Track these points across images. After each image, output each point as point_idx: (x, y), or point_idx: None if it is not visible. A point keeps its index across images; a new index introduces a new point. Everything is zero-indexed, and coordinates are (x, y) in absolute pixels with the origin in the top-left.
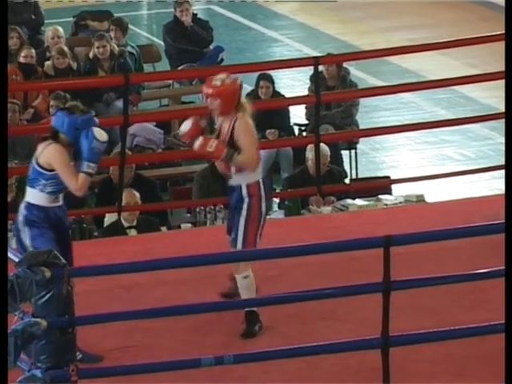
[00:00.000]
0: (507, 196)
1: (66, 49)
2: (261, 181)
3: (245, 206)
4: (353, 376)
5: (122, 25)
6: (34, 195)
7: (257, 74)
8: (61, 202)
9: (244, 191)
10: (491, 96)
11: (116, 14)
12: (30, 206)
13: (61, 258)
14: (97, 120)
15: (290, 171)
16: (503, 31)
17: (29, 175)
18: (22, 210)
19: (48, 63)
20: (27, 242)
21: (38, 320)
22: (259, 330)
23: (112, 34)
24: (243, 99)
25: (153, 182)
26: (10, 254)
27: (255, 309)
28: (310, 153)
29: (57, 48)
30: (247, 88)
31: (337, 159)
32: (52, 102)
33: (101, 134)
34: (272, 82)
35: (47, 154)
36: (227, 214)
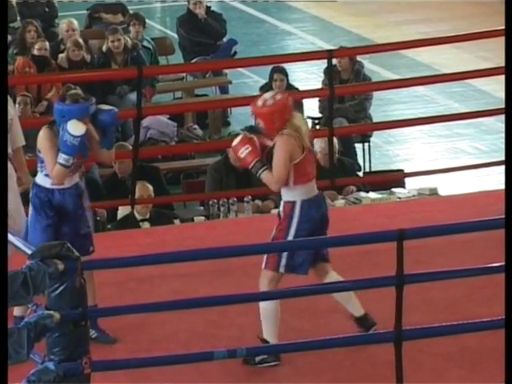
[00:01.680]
0: (507, 195)
1: (81, 41)
2: (299, 202)
3: (278, 223)
4: (366, 369)
5: (142, 19)
6: (38, 176)
7: (270, 67)
8: (66, 186)
9: (281, 207)
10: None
11: (130, 7)
12: (34, 185)
13: (74, 250)
14: (104, 108)
15: None
16: None
17: None
18: (31, 189)
19: (62, 55)
20: (29, 217)
21: (52, 312)
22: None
23: (132, 28)
24: (296, 117)
25: (155, 168)
26: (22, 246)
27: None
28: (316, 145)
29: (72, 40)
30: (261, 81)
31: (350, 152)
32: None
33: (75, 128)
34: (286, 75)
35: (38, 137)
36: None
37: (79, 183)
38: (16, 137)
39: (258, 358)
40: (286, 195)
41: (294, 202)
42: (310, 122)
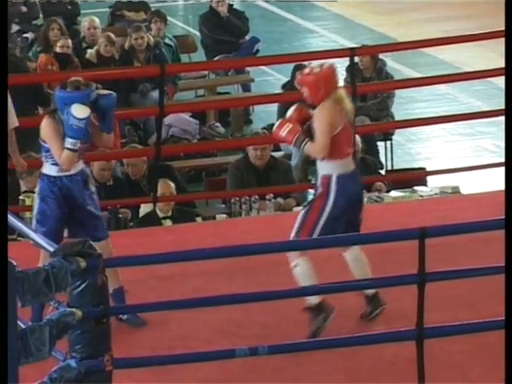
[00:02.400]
0: (507, 195)
1: (113, 37)
2: (335, 176)
3: (313, 197)
4: (387, 367)
5: (163, 16)
6: (43, 165)
7: (292, 65)
8: (72, 172)
9: (318, 181)
10: None
11: (152, 5)
12: (41, 174)
13: (96, 248)
14: (103, 93)
15: None
16: None
17: None
18: (39, 179)
19: (91, 51)
20: (34, 211)
21: (73, 310)
22: (319, 324)
23: (153, 25)
24: (340, 90)
25: (169, 167)
26: (45, 244)
27: (314, 303)
28: None
29: (106, 35)
30: (283, 79)
31: (372, 151)
32: None
33: (79, 111)
34: None
35: (41, 127)
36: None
37: (83, 169)
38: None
39: (317, 324)
40: (322, 169)
41: (329, 176)
42: None
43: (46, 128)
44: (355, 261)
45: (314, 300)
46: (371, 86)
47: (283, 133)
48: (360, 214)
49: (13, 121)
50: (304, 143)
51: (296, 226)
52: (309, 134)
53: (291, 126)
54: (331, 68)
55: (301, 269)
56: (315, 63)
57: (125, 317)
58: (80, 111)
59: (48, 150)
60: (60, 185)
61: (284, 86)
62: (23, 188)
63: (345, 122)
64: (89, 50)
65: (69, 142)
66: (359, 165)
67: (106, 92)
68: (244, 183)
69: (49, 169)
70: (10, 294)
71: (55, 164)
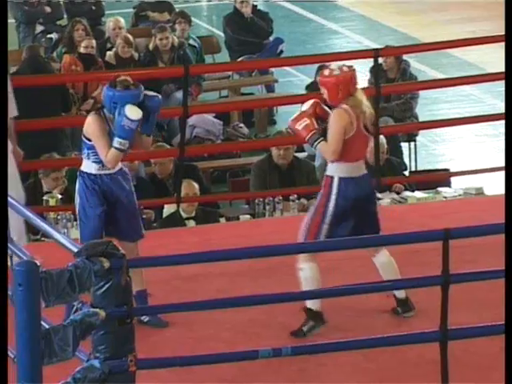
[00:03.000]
0: (507, 196)
1: (131, 38)
2: (337, 178)
3: (318, 197)
4: (411, 369)
5: (187, 17)
6: (83, 163)
7: (316, 65)
8: (112, 171)
9: (323, 182)
10: None
11: (176, 6)
12: (80, 172)
13: (119, 248)
14: (150, 94)
15: None
16: None
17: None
18: (78, 176)
19: (110, 53)
20: (77, 208)
21: (97, 310)
22: (308, 330)
23: (177, 26)
24: (359, 93)
25: (193, 167)
26: (68, 244)
27: (313, 307)
28: None
29: (123, 36)
30: (307, 80)
31: (396, 151)
32: None
33: (132, 112)
34: None
35: (86, 124)
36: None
37: (123, 167)
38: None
39: (305, 328)
40: (328, 169)
41: (332, 177)
42: None
43: (92, 125)
44: (385, 264)
45: (314, 305)
46: (395, 86)
47: (299, 127)
48: (368, 221)
49: (12, 110)
50: (317, 142)
51: (302, 229)
52: (324, 133)
53: (308, 121)
54: (351, 70)
55: (306, 274)
56: (335, 65)
57: (146, 319)
58: (134, 112)
59: (90, 148)
60: (100, 183)
61: (308, 87)
62: (45, 189)
63: (360, 126)
64: (108, 52)
65: (118, 142)
66: (385, 165)
67: (152, 93)
68: (267, 183)
69: (89, 166)
70: (33, 295)
71: (96, 162)
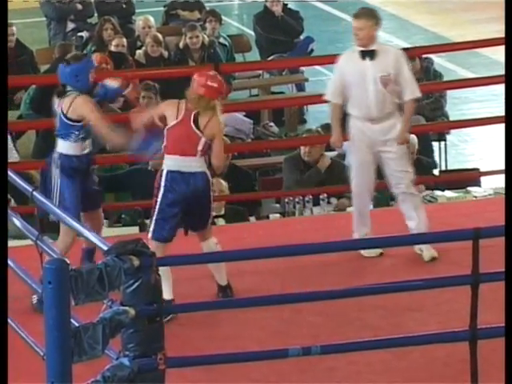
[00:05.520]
0: (507, 196)
1: (160, 37)
2: (165, 172)
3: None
4: (440, 368)
5: (218, 15)
6: (67, 147)
7: None
8: (88, 150)
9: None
10: None
11: (207, 4)
12: (64, 156)
13: (148, 246)
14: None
15: None
16: None
17: (58, 129)
18: (57, 159)
19: (139, 51)
20: (56, 189)
21: (127, 308)
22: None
23: (208, 24)
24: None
25: (248, 174)
26: (99, 243)
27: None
28: None
29: (152, 35)
30: None
31: (427, 150)
32: (143, 93)
33: (111, 82)
34: None
35: (76, 106)
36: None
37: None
38: None
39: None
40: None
41: (162, 171)
42: None
43: (86, 103)
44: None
45: (223, 281)
46: (426, 85)
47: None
48: (198, 208)
49: None
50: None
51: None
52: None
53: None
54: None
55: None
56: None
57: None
58: (112, 82)
59: (80, 128)
60: (82, 161)
61: None
62: None
63: (188, 122)
64: (137, 51)
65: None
66: (416, 164)
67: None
68: (300, 176)
69: (73, 149)
70: (63, 293)
71: (83, 140)
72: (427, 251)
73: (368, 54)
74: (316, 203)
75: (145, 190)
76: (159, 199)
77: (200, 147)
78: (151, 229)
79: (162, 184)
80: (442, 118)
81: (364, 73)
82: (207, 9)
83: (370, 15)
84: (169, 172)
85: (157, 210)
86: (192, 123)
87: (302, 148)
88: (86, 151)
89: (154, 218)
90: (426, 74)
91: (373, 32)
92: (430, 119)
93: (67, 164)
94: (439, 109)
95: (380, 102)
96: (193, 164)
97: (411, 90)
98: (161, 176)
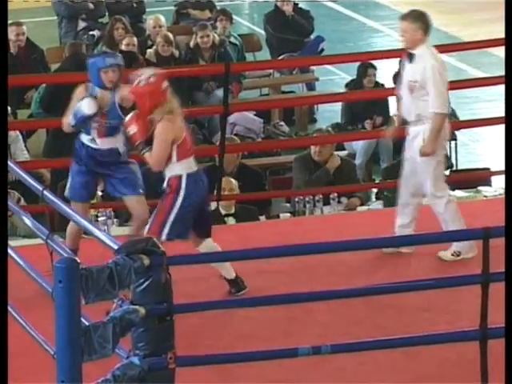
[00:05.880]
0: (507, 197)
1: (171, 37)
2: (185, 176)
3: (163, 196)
4: (451, 368)
5: (229, 14)
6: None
7: (357, 64)
8: (97, 146)
9: (165, 183)
10: None
11: (217, 4)
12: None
13: (160, 246)
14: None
15: (389, 161)
16: None
17: None
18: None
19: (150, 51)
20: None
21: (137, 307)
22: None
23: (219, 24)
24: (172, 100)
25: (258, 173)
26: (109, 242)
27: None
28: None
29: (163, 35)
30: (347, 78)
31: None
32: None
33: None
34: (375, 71)
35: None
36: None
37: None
38: None
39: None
40: (172, 170)
41: (180, 176)
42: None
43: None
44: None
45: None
46: None
47: (130, 132)
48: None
49: None
50: (142, 152)
51: (147, 225)
52: (150, 141)
53: (137, 128)
54: (157, 80)
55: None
56: (144, 75)
57: None
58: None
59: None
60: (88, 152)
61: (347, 85)
62: None
63: (183, 126)
64: (148, 50)
65: None
66: None
67: None
68: (310, 175)
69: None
70: (73, 291)
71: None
72: (445, 251)
73: (410, 57)
74: (326, 202)
75: (155, 189)
76: (179, 202)
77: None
78: (166, 231)
79: (183, 187)
80: (451, 118)
81: (403, 75)
82: (218, 8)
83: (415, 18)
84: (189, 175)
85: (175, 212)
86: None
87: (312, 148)
88: (90, 144)
89: (171, 219)
90: None
91: (416, 35)
92: None
93: (76, 149)
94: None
95: (407, 107)
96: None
97: (434, 104)
98: (178, 180)
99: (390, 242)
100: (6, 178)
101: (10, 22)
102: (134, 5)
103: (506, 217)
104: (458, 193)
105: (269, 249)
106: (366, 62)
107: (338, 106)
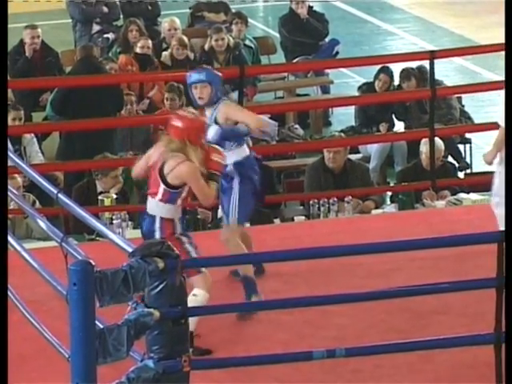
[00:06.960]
0: (507, 197)
1: (186, 40)
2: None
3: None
4: (466, 371)
5: (244, 17)
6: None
7: (372, 67)
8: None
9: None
10: None
11: (232, 6)
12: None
13: (174, 249)
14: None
15: (403, 165)
16: None
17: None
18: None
19: (165, 53)
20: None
21: (151, 310)
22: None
23: (234, 26)
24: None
25: (269, 169)
26: (124, 245)
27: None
28: (423, 146)
29: (178, 38)
30: (362, 81)
31: (455, 152)
32: (166, 95)
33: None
34: (391, 75)
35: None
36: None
37: None
38: None
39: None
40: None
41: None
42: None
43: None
44: None
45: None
46: (451, 89)
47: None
48: None
49: None
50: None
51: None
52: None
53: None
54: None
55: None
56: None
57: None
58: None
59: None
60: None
61: (359, 88)
62: (99, 189)
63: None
64: (163, 53)
65: None
66: (441, 168)
67: None
68: (321, 185)
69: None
70: (88, 294)
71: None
72: None
73: None
74: (341, 206)
75: None
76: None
77: (160, 196)
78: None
79: None
80: (466, 121)
81: None
82: (233, 11)
83: None
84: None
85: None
86: (158, 169)
87: (325, 154)
88: None
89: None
90: (422, 84)
91: None
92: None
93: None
94: (452, 120)
95: None
96: (151, 206)
97: (500, 116)
98: None
99: (407, 246)
100: (5, 178)
101: (24, 24)
102: (149, 7)
103: (507, 217)
104: (473, 196)
105: (285, 252)
106: (382, 67)
107: (352, 109)
